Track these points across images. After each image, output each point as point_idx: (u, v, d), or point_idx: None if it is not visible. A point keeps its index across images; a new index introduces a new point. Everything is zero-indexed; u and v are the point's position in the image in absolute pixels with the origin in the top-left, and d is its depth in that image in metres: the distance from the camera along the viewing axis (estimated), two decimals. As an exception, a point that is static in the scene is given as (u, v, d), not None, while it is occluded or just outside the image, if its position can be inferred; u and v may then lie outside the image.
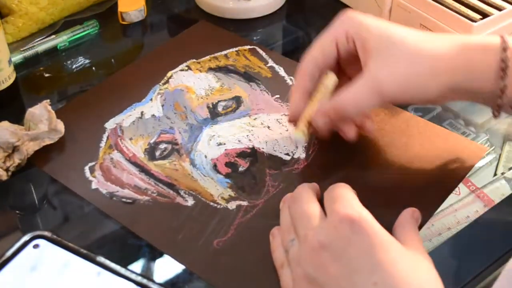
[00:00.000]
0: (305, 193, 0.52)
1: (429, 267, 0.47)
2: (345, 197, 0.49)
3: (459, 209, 0.57)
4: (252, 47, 0.76)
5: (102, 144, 0.64)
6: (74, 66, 0.75)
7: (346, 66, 0.60)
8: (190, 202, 0.58)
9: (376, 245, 0.45)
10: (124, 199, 0.58)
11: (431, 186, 0.59)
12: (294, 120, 0.60)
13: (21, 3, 0.75)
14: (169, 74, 0.72)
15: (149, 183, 0.60)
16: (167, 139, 0.64)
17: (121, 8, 0.80)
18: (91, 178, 0.60)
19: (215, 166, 0.61)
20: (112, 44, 0.80)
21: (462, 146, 0.63)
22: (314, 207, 0.50)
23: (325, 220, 0.48)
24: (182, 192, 0.59)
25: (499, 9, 0.72)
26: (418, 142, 0.63)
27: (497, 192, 0.59)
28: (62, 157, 0.62)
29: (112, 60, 0.77)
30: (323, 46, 0.58)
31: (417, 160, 0.61)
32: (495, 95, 0.54)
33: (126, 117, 0.66)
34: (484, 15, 0.71)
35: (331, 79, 0.58)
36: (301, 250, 0.48)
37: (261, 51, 0.75)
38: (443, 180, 0.59)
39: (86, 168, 0.61)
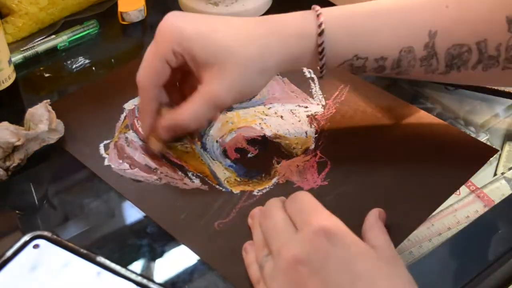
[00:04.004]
0: (275, 208, 0.51)
1: (403, 271, 0.46)
2: (313, 206, 0.48)
3: (459, 209, 0.57)
4: None
5: (119, 124, 0.66)
6: (74, 66, 0.75)
7: (184, 77, 0.60)
8: (196, 183, 0.59)
9: (355, 256, 0.44)
10: (133, 177, 0.60)
11: (435, 184, 0.58)
12: (148, 138, 0.61)
13: (21, 3, 0.75)
14: None
15: (159, 163, 0.61)
16: None
17: (121, 8, 0.80)
18: (104, 155, 0.62)
19: (225, 151, 0.62)
20: (112, 44, 0.80)
21: (471, 146, 0.62)
22: (285, 221, 0.49)
23: (298, 233, 0.47)
24: (190, 174, 0.60)
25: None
26: (427, 140, 0.63)
27: (497, 192, 0.59)
28: (79, 133, 0.65)
29: (112, 60, 0.77)
30: (154, 67, 0.57)
31: (424, 157, 0.61)
32: (316, 68, 0.58)
33: None
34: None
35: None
36: (276, 266, 0.46)
37: None
38: (448, 178, 0.59)
39: (101, 145, 0.63)
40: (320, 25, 0.55)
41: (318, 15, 0.56)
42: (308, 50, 0.56)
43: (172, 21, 0.57)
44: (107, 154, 0.62)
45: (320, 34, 0.55)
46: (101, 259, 0.50)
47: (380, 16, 0.57)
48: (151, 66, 0.57)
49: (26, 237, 0.51)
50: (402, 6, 0.57)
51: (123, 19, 0.80)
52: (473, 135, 0.64)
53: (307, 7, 0.83)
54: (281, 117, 0.66)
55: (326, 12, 0.56)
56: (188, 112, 0.57)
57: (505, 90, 0.69)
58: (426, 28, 0.55)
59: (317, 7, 0.57)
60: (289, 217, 0.49)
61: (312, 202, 0.49)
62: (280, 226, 0.49)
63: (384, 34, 0.56)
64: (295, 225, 0.48)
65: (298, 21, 0.57)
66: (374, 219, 0.52)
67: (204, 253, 0.54)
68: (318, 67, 0.57)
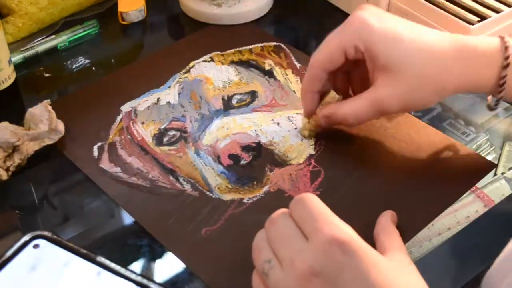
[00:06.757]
0: (281, 214, 0.48)
1: (416, 278, 0.46)
2: (322, 212, 0.46)
3: (459, 209, 0.57)
4: (277, 44, 0.77)
5: (114, 126, 0.66)
6: (74, 66, 0.75)
7: (353, 68, 0.61)
8: (187, 189, 0.59)
9: (369, 266, 0.43)
10: (124, 180, 0.60)
11: (429, 200, 0.58)
12: (309, 116, 0.63)
13: (21, 3, 0.75)
14: (191, 64, 0.73)
15: (151, 167, 0.61)
16: (177, 126, 0.65)
17: (121, 8, 0.80)
18: (98, 157, 0.62)
19: (218, 157, 0.62)
20: (112, 44, 0.80)
21: (470, 159, 0.62)
22: (293, 228, 0.47)
23: (310, 243, 0.45)
24: (181, 179, 0.60)
25: (496, 11, 0.72)
26: (426, 151, 0.62)
27: (497, 192, 0.59)
28: (76, 134, 0.64)
29: (112, 60, 0.77)
30: (331, 54, 0.58)
31: (422, 169, 0.61)
32: (492, 92, 0.56)
33: (142, 102, 0.68)
34: (482, 17, 0.71)
35: (333, 96, 0.63)
36: (288, 277, 0.45)
37: (286, 48, 0.76)
38: (443, 192, 0.58)
39: (95, 147, 0.63)
40: (507, 58, 0.54)
41: (506, 47, 0.55)
42: (489, 82, 0.55)
43: (366, 17, 0.56)
44: (100, 156, 0.62)
45: (505, 67, 0.54)
46: (101, 259, 0.50)
47: None
48: (328, 52, 0.58)
49: (26, 237, 0.51)
50: None
51: (123, 19, 0.80)
52: (473, 135, 0.65)
53: (307, 8, 0.83)
54: (278, 124, 0.66)
55: None
56: (351, 107, 0.58)
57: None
58: None
59: (506, 37, 0.56)
60: (296, 223, 0.47)
61: (319, 207, 0.47)
62: (288, 233, 0.47)
63: None
64: (303, 232, 0.46)
65: (485, 49, 0.56)
66: (387, 221, 0.52)
67: (189, 259, 0.53)
68: (498, 89, 0.56)
